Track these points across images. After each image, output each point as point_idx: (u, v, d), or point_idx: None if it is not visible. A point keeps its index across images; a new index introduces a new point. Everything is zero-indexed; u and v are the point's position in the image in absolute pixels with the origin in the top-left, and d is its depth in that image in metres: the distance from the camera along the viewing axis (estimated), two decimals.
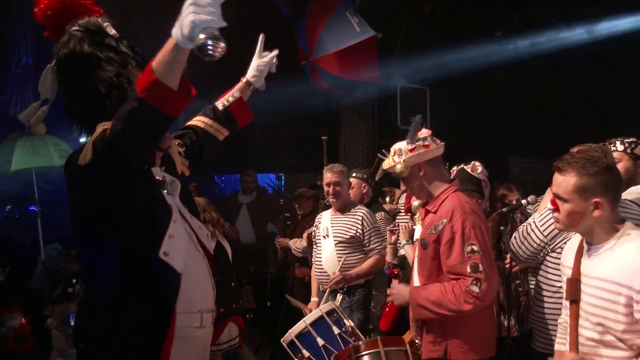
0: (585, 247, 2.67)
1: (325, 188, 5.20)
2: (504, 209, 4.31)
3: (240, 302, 5.15)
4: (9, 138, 7.89)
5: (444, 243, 3.25)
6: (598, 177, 2.52)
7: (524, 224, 3.74)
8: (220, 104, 3.21)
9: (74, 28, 2.57)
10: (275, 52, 3.33)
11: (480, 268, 3.16)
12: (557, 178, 2.63)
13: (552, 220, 3.40)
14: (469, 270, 3.16)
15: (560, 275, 3.18)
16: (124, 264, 2.44)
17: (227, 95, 3.24)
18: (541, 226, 3.50)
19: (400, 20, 8.65)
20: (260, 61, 3.30)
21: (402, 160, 3.47)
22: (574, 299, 2.62)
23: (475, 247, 3.19)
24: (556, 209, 2.66)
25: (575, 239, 2.81)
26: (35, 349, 5.38)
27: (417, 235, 3.78)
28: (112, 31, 2.63)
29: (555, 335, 3.16)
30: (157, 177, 2.64)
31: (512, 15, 8.65)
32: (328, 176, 5.13)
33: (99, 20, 2.64)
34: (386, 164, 3.62)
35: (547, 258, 3.54)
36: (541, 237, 3.49)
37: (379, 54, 7.88)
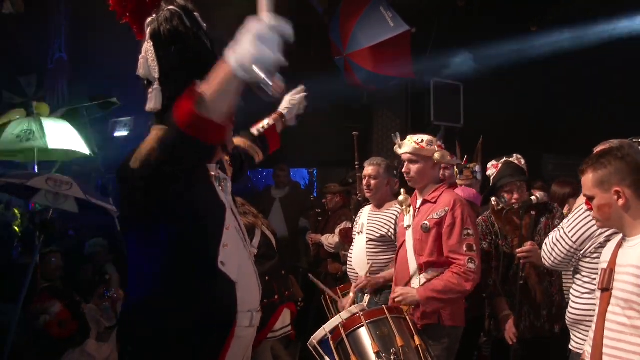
0: (623, 241, 2.77)
1: (364, 181, 5.12)
2: (515, 206, 4.34)
3: (291, 289, 5.23)
4: (9, 112, 7.49)
5: (446, 226, 4.02)
6: (610, 167, 2.72)
7: (555, 230, 3.71)
8: (255, 130, 3.44)
9: (172, 7, 2.48)
10: (304, 94, 3.72)
11: (474, 248, 3.99)
12: (582, 180, 2.87)
13: (579, 226, 3.43)
14: (465, 249, 3.97)
15: (597, 276, 3.19)
16: (181, 271, 2.41)
17: (262, 122, 3.50)
18: (569, 232, 3.47)
19: (434, 15, 8.60)
20: (292, 97, 3.66)
21: (437, 150, 4.20)
22: (606, 288, 2.72)
23: (470, 231, 4.02)
24: (590, 208, 2.89)
25: (615, 240, 2.89)
26: (77, 332, 5.53)
27: (407, 222, 4.32)
28: (203, 24, 2.57)
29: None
30: (212, 173, 2.62)
31: (547, 10, 8.55)
32: (364, 169, 5.07)
33: (194, 6, 2.57)
34: (415, 147, 4.21)
35: (580, 263, 3.51)
36: (570, 243, 3.46)
37: (413, 49, 7.84)
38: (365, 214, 5.10)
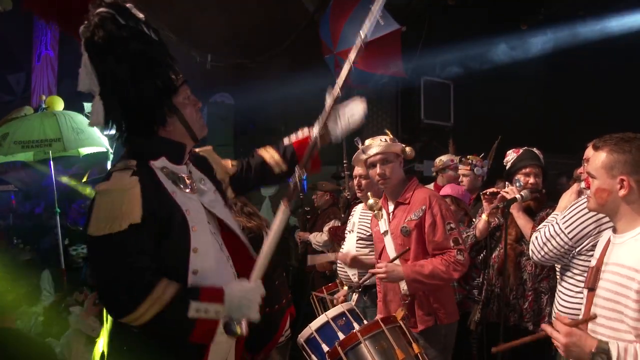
0: (612, 236, 2.67)
1: (354, 181, 5.05)
2: (499, 205, 4.27)
3: (290, 292, 5.18)
4: (15, 112, 7.03)
5: (428, 225, 3.88)
6: (627, 155, 2.54)
7: (546, 224, 3.68)
8: (287, 139, 3.09)
9: (102, 9, 2.31)
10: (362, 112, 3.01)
11: (460, 241, 3.89)
12: (593, 156, 2.67)
13: (577, 223, 3.36)
14: (452, 244, 3.85)
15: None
16: None
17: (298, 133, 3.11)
18: (565, 229, 3.43)
19: (425, 14, 8.59)
20: (349, 108, 3.00)
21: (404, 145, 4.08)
22: (592, 287, 2.63)
23: (452, 225, 3.90)
24: (588, 187, 2.74)
25: (606, 235, 2.79)
26: None
27: (383, 227, 4.15)
28: (139, 14, 2.40)
29: None
30: (182, 174, 2.55)
31: (538, 8, 8.55)
32: (355, 169, 4.98)
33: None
34: (386, 145, 4.04)
35: (574, 261, 3.48)
36: (565, 239, 3.42)
37: (403, 48, 7.82)
38: (357, 213, 5.06)
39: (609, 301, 2.51)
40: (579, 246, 3.40)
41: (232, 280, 2.57)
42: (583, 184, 2.75)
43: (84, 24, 2.33)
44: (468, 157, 5.86)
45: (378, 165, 4.05)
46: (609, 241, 2.69)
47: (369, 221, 4.80)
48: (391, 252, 4.05)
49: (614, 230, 2.67)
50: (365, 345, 3.53)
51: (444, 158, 6.32)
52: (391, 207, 4.14)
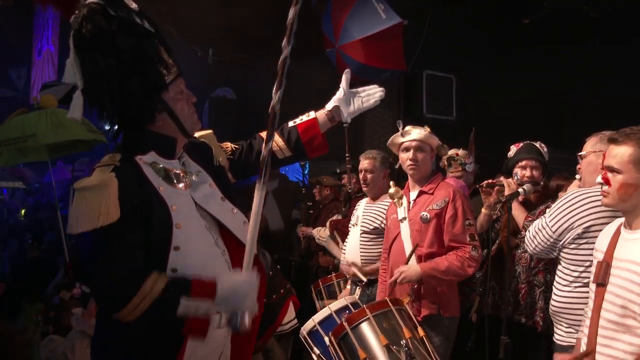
0: (623, 231, 2.63)
1: (360, 175, 5.10)
2: (502, 198, 4.33)
3: (288, 282, 5.18)
4: (14, 114, 7.05)
5: (448, 217, 4.05)
6: None
7: (540, 218, 3.72)
8: (292, 121, 2.98)
9: (91, 0, 2.26)
10: (378, 96, 2.98)
11: (476, 237, 4.08)
12: (612, 150, 2.61)
13: (560, 216, 3.40)
14: (468, 239, 4.03)
15: (576, 267, 3.18)
16: None
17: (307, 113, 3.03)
18: (550, 222, 3.48)
19: (427, 7, 8.56)
20: (365, 92, 3.00)
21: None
22: (601, 282, 2.60)
23: (471, 221, 4.10)
24: (606, 182, 2.63)
25: (612, 225, 2.77)
26: None
27: (402, 214, 4.28)
28: (132, 4, 2.35)
29: (573, 327, 3.18)
30: (175, 170, 2.49)
31: (541, 2, 8.51)
32: (360, 162, 5.05)
33: None
34: (425, 135, 4.19)
35: (561, 254, 3.52)
36: (550, 233, 3.48)
37: (405, 41, 7.80)
38: (362, 207, 5.08)
39: (620, 298, 2.49)
40: (562, 239, 3.43)
41: (225, 271, 2.49)
42: (599, 178, 2.68)
43: (74, 15, 2.28)
44: (455, 157, 5.86)
45: (412, 151, 4.20)
46: (617, 234, 2.65)
47: (374, 215, 4.85)
48: (406, 238, 4.18)
49: (627, 226, 2.63)
50: (372, 322, 3.58)
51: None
52: (413, 195, 4.27)
